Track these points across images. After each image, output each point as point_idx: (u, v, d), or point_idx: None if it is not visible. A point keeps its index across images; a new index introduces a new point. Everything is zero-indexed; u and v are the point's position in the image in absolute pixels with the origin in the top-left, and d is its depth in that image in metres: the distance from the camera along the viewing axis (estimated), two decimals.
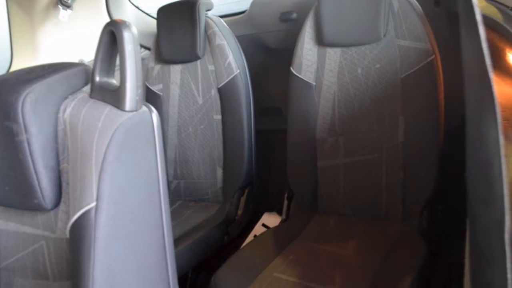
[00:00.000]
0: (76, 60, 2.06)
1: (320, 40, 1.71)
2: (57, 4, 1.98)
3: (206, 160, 2.06)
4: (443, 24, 1.67)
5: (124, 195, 0.90)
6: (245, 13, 2.29)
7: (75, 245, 0.87)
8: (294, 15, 2.10)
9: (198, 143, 2.07)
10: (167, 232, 1.00)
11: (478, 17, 0.69)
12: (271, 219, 2.29)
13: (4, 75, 0.97)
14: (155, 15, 2.14)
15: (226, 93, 1.97)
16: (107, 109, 0.90)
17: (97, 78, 0.95)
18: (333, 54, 1.70)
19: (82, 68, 0.98)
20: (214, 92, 2.01)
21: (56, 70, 0.94)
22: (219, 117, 2.01)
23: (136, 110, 0.91)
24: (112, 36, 0.93)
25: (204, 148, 2.06)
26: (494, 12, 1.06)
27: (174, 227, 1.05)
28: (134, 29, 0.91)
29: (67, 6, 2.00)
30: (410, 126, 1.59)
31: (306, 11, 1.78)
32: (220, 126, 2.01)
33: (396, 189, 1.62)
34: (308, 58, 1.73)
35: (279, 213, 2.06)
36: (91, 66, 0.97)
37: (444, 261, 1.64)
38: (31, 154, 0.87)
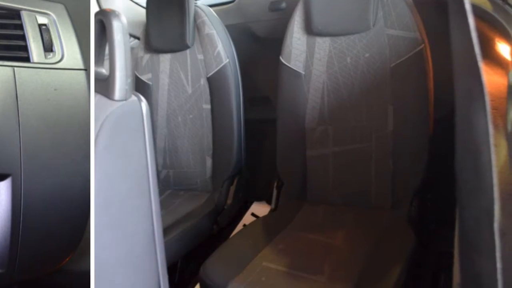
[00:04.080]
0: None
1: (309, 29, 1.70)
2: None
3: (196, 150, 2.05)
4: (432, 14, 1.67)
5: (114, 184, 0.89)
6: (235, 2, 2.28)
7: None
8: (284, 4, 2.09)
9: (187, 133, 2.07)
10: (157, 221, 1.00)
11: (468, 7, 0.69)
12: (260, 209, 2.30)
13: None
14: (144, 4, 2.12)
15: (215, 83, 1.97)
16: (97, 98, 0.89)
17: None
18: (322, 43, 1.70)
19: None
20: (203, 81, 2.00)
21: None
22: (208, 106, 2.00)
23: (125, 100, 0.91)
24: (101, 25, 0.92)
25: (194, 138, 2.05)
26: (483, 2, 1.06)
27: (163, 216, 1.05)
28: (124, 19, 0.91)
29: None
30: (399, 115, 1.59)
31: (295, 0, 1.78)
32: (209, 116, 2.01)
33: (385, 178, 1.62)
34: (297, 47, 1.73)
35: (268, 202, 2.06)
36: None
37: (433, 250, 1.65)
38: None
